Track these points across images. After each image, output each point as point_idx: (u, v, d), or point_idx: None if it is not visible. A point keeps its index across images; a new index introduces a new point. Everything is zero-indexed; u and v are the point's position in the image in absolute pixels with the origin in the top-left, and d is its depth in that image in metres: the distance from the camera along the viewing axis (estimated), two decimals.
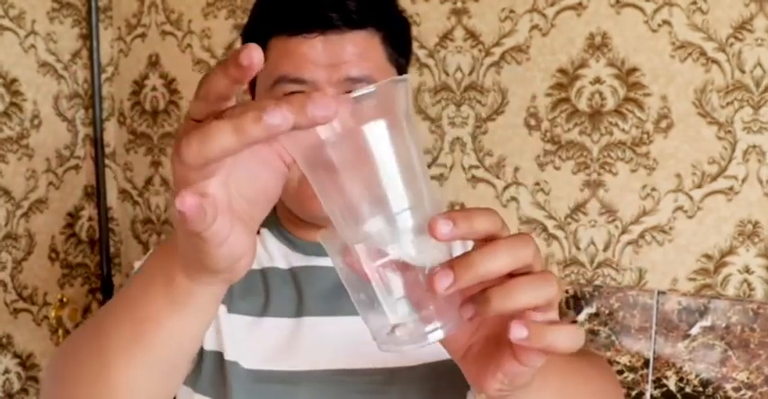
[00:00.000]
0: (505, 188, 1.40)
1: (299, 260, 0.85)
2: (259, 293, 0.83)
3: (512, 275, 0.42)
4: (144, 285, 0.49)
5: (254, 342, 0.80)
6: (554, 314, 0.44)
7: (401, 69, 0.83)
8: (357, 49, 0.76)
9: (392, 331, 0.43)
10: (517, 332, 0.42)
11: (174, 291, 0.47)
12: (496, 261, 0.41)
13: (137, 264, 0.86)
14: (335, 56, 0.75)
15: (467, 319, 0.43)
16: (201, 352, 0.81)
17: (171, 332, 0.48)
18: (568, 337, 0.43)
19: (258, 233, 0.87)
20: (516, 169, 1.39)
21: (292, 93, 0.76)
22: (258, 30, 0.80)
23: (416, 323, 0.42)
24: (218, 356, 0.80)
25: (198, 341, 0.51)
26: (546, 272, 0.43)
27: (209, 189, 0.41)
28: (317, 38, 0.75)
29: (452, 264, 0.41)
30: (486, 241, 0.42)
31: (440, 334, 0.42)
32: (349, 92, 0.75)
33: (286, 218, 0.87)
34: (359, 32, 0.76)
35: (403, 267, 0.42)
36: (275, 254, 0.86)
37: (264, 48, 0.78)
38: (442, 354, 0.81)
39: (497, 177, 1.41)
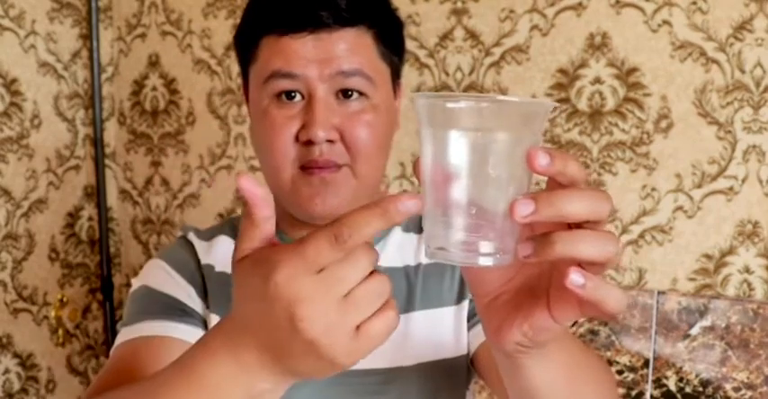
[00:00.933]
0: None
1: None
2: None
3: (577, 227, 0.44)
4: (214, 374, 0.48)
5: None
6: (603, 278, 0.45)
7: (395, 68, 0.83)
8: (348, 45, 0.76)
9: (448, 243, 0.44)
10: (576, 278, 0.43)
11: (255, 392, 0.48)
12: (578, 205, 0.42)
13: (134, 282, 0.85)
14: (326, 52, 0.75)
15: (521, 257, 0.44)
16: None
17: None
18: (617, 298, 0.44)
19: None
20: None
21: (286, 91, 0.76)
22: (249, 30, 0.80)
23: (475, 243, 0.44)
24: None
25: None
26: (611, 232, 0.44)
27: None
28: (309, 36, 0.75)
29: (536, 196, 0.42)
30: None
31: (490, 261, 0.44)
32: (345, 90, 0.75)
33: (281, 218, 0.85)
34: (349, 30, 0.76)
35: (481, 192, 0.43)
36: None
37: (256, 47, 0.78)
38: (441, 354, 0.81)
39: None
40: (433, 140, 0.44)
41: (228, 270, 0.83)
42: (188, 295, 0.81)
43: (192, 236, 0.88)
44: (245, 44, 0.80)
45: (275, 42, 0.76)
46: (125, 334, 0.77)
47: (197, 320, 0.80)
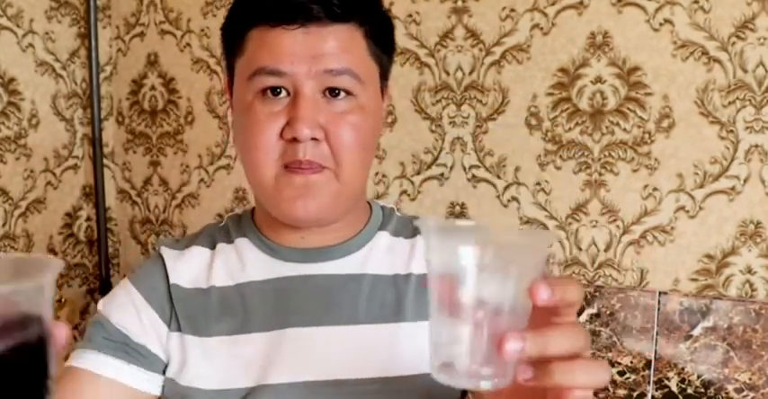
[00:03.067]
0: (506, 188, 1.40)
1: (280, 268, 0.82)
2: (237, 310, 0.80)
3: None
4: None
5: (234, 361, 0.78)
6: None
7: (383, 68, 0.81)
8: (338, 43, 0.74)
9: (453, 365, 0.49)
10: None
11: None
12: (561, 344, 0.47)
13: (101, 303, 0.85)
14: (315, 48, 0.73)
15: (520, 379, 0.48)
16: (174, 387, 0.80)
17: None
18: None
19: (232, 243, 0.84)
20: (517, 169, 1.38)
21: (272, 87, 0.74)
22: (237, 21, 0.78)
23: (477, 368, 0.48)
24: (192, 388, 0.78)
25: None
26: (601, 360, 0.51)
27: None
28: (298, 29, 0.73)
29: (525, 335, 0.46)
30: (563, 308, 0.49)
31: (489, 385, 0.48)
32: (332, 88, 0.73)
33: (264, 223, 0.84)
34: (341, 26, 0.74)
35: (490, 321, 0.48)
36: (253, 265, 0.83)
37: (243, 39, 0.76)
38: None
39: (498, 177, 1.40)
40: (439, 262, 0.49)
41: (196, 284, 0.82)
42: (146, 323, 0.81)
43: (164, 250, 0.86)
44: (232, 36, 0.79)
45: (263, 35, 0.74)
46: (76, 357, 0.80)
47: (143, 359, 0.80)
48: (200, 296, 0.82)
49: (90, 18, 1.69)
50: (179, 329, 0.81)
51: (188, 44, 1.66)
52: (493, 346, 0.47)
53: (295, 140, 0.73)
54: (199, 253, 0.85)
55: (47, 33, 1.64)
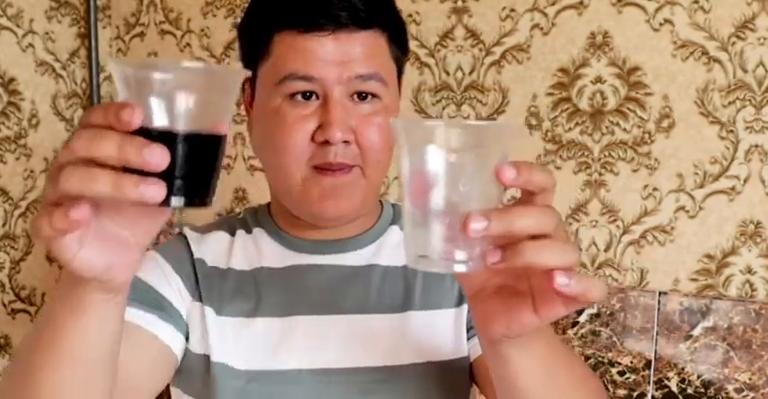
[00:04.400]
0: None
1: (294, 258, 0.84)
2: (250, 294, 0.82)
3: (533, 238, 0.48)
4: (52, 303, 0.56)
5: (244, 343, 0.80)
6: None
7: (400, 67, 0.84)
8: (364, 48, 0.76)
9: (426, 254, 0.49)
10: (562, 279, 0.48)
11: (70, 300, 0.53)
12: (526, 221, 0.47)
13: None
14: (344, 54, 0.75)
15: (489, 263, 0.48)
16: (189, 356, 0.81)
17: (77, 335, 0.54)
18: (599, 287, 0.49)
19: (250, 233, 0.87)
20: None
21: (302, 92, 0.76)
22: (261, 24, 0.79)
23: (449, 253, 0.49)
24: (206, 359, 0.80)
25: (104, 343, 0.56)
26: (572, 243, 0.49)
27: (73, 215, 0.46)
28: (328, 36, 0.74)
29: (489, 213, 0.46)
30: (537, 194, 0.49)
31: (463, 268, 0.49)
32: (360, 92, 0.76)
33: (281, 218, 0.86)
34: (366, 32, 0.76)
35: (461, 207, 0.48)
36: (268, 254, 0.85)
37: (268, 43, 0.77)
38: (438, 355, 0.81)
39: None
40: (410, 158, 0.49)
41: (216, 264, 0.84)
42: (174, 288, 0.82)
43: (186, 230, 0.89)
44: (255, 39, 0.79)
45: (292, 40, 0.75)
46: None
47: (170, 314, 0.80)
48: (218, 275, 0.84)
49: (90, 18, 1.69)
50: (200, 299, 0.82)
51: (188, 44, 1.66)
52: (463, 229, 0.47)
53: (327, 143, 0.75)
54: (220, 237, 0.87)
55: (47, 33, 1.64)
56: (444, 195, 0.48)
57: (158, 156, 0.44)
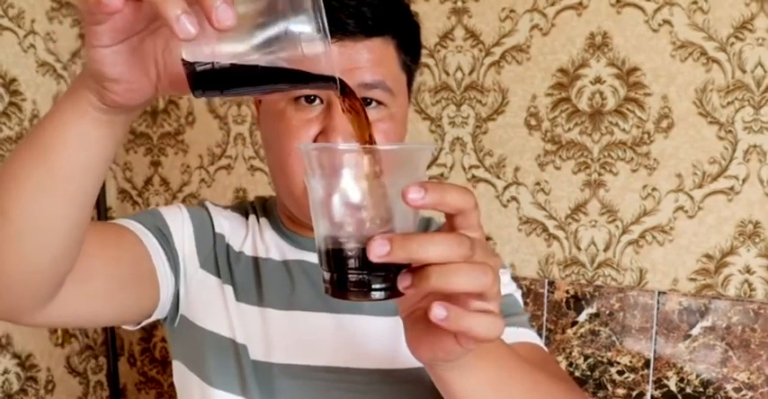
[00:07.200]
0: (506, 188, 1.40)
1: (293, 253, 0.85)
2: (257, 283, 0.83)
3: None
4: (51, 116, 0.54)
5: (238, 330, 0.81)
6: (492, 305, 0.47)
7: (411, 74, 0.83)
8: (371, 56, 0.75)
9: (341, 283, 0.47)
10: (437, 311, 0.45)
11: (65, 103, 0.52)
12: (431, 250, 0.44)
13: (154, 208, 0.89)
14: (350, 62, 0.74)
15: (401, 288, 0.46)
16: (205, 334, 0.81)
17: (57, 138, 0.53)
18: (485, 326, 0.46)
19: (258, 222, 0.88)
20: (516, 169, 1.39)
21: (306, 95, 0.76)
22: None
23: (366, 281, 0.47)
24: (232, 342, 0.80)
25: (80, 157, 0.54)
26: (485, 264, 0.46)
27: None
28: (335, 43, 0.74)
29: (392, 238, 0.44)
30: (455, 216, 0.46)
31: (381, 295, 0.47)
32: (364, 99, 0.76)
33: (284, 215, 0.87)
34: (375, 40, 0.76)
35: (374, 231, 0.46)
36: (271, 245, 0.86)
37: None
38: None
39: (498, 177, 1.41)
40: (322, 183, 0.48)
41: (234, 246, 0.85)
42: (187, 246, 0.82)
43: (209, 204, 0.90)
44: None
45: None
46: (119, 220, 0.81)
47: (174, 261, 0.81)
48: (233, 256, 0.85)
49: None
50: (218, 275, 0.82)
51: None
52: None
53: None
54: (236, 219, 0.88)
55: (48, 34, 1.65)
56: (358, 220, 0.46)
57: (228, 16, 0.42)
